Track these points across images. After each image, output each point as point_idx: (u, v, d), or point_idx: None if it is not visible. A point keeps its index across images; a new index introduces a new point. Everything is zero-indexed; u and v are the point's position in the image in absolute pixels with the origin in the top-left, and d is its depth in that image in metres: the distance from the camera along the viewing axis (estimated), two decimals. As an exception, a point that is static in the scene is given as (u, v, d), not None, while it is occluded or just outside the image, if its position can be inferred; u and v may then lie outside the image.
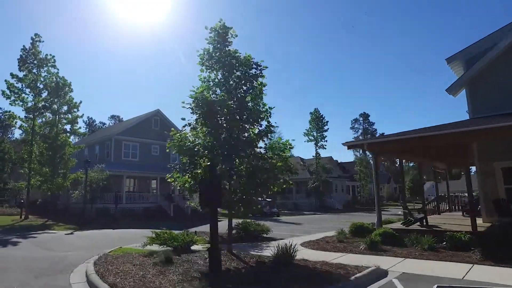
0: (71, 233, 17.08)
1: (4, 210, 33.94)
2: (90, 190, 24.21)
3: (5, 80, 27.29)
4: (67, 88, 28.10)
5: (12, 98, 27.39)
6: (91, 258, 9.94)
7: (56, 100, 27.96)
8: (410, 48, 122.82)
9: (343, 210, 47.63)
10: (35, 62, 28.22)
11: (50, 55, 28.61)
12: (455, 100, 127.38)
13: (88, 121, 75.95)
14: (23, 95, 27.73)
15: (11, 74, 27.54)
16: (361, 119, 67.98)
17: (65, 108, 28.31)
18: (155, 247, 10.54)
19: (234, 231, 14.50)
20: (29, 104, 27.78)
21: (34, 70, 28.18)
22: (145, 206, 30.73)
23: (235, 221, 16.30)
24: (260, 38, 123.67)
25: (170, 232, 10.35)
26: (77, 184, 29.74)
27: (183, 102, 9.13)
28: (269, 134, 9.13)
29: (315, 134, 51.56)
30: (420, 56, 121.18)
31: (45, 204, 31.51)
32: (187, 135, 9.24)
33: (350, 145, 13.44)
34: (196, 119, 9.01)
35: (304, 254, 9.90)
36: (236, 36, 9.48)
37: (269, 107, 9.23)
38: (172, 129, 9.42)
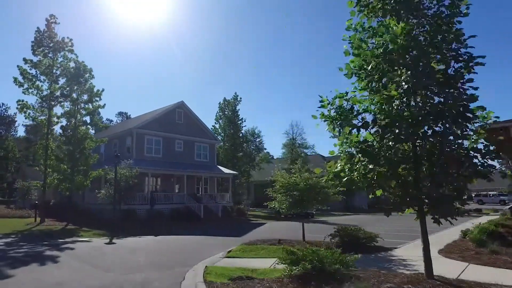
0: (111, 242, 13.89)
1: (14, 212, 30.65)
2: (118, 189, 21.04)
3: (18, 66, 24.03)
4: (87, 75, 24.86)
5: (26, 86, 24.10)
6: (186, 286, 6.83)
7: (75, 87, 24.72)
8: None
9: (370, 210, 44.62)
10: (51, 45, 24.95)
11: (68, 38, 25.37)
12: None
13: (94, 118, 72.63)
14: (38, 82, 24.47)
15: (24, 59, 24.28)
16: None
17: (85, 97, 25.06)
18: (273, 264, 7.39)
19: (337, 239, 11.37)
20: (45, 93, 24.53)
21: (50, 55, 24.92)
22: (172, 207, 27.54)
23: (332, 227, 13.17)
24: (271, 30, 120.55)
25: (313, 249, 7.10)
26: (95, 182, 26.55)
27: (346, 51, 6.17)
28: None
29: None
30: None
31: (60, 205, 28.32)
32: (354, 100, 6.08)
33: (490, 129, 10.28)
34: (369, 78, 5.90)
35: (481, 273, 6.80)
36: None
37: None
38: (336, 89, 6.23)
